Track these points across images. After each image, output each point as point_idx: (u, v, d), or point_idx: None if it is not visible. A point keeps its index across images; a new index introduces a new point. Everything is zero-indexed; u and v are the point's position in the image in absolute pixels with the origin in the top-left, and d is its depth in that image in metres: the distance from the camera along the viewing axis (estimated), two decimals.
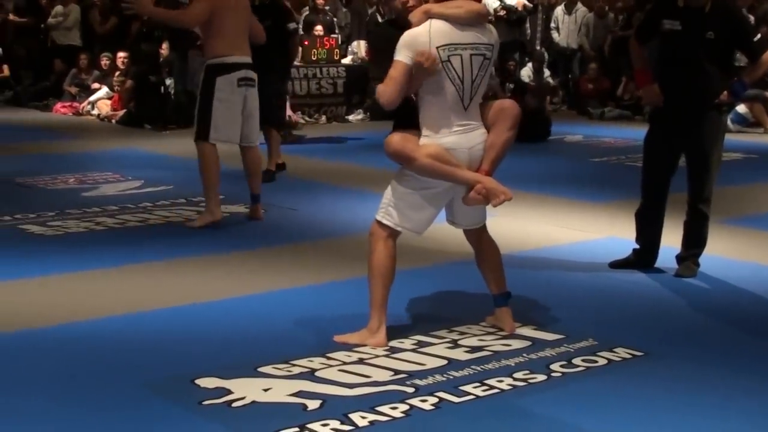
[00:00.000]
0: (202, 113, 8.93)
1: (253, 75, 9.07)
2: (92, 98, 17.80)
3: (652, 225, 7.64)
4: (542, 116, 15.39)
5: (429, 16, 5.69)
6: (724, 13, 7.38)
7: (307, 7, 19.12)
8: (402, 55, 5.63)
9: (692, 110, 7.37)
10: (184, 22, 9.44)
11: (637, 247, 7.70)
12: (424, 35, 5.63)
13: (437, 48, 5.63)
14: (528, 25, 20.04)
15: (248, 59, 9.04)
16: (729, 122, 15.86)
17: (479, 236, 6.12)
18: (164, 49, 17.55)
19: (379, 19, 19.02)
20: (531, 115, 14.80)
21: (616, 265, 7.64)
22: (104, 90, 17.78)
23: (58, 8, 19.95)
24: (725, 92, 7.33)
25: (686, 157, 7.54)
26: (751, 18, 20.07)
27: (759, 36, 7.43)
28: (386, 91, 5.65)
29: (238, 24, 8.97)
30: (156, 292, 6.99)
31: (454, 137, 5.73)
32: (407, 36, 5.66)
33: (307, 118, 16.95)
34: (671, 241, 7.68)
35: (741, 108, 16.17)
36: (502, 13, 19.04)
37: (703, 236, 7.58)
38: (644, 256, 7.67)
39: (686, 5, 7.36)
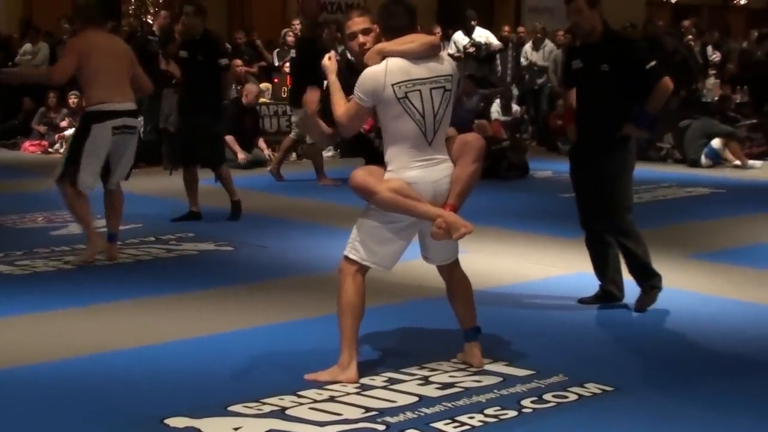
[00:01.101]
0: (72, 157, 8.81)
1: (134, 122, 8.94)
2: (66, 133, 17.73)
3: (603, 258, 7.67)
4: (522, 164, 15.51)
5: (383, 55, 5.73)
6: (615, 44, 7.50)
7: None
8: (356, 96, 5.75)
9: (595, 143, 7.48)
10: (52, 80, 9.16)
11: (601, 282, 7.73)
12: (381, 73, 5.69)
13: (393, 85, 5.67)
14: (498, 61, 20.11)
15: (129, 106, 8.88)
16: (702, 157, 16.13)
17: (451, 271, 6.14)
18: None
19: (350, 57, 19.07)
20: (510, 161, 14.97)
21: (586, 301, 7.66)
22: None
23: (27, 46, 19.90)
24: (628, 124, 7.41)
25: (595, 189, 7.58)
26: (718, 54, 20.31)
27: (653, 63, 7.38)
28: (341, 121, 5.83)
29: (116, 70, 8.82)
30: (125, 331, 6.96)
31: (417, 171, 5.75)
32: (363, 76, 5.73)
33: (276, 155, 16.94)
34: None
35: (715, 143, 16.28)
36: (472, 50, 19.12)
37: (639, 265, 7.59)
38: (609, 291, 7.68)
39: (583, 43, 7.55)
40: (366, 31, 5.87)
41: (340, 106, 5.82)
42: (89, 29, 8.97)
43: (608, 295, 7.66)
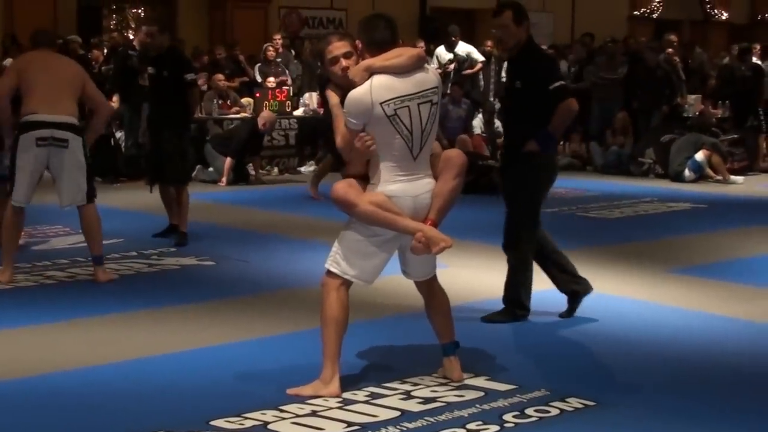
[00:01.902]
0: (10, 172, 8.79)
1: (63, 135, 8.61)
2: None
3: (551, 269, 7.70)
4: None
5: (371, 72, 5.72)
6: (528, 61, 7.51)
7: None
8: (346, 121, 5.71)
9: (511, 159, 7.55)
10: None
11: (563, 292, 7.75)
12: (366, 94, 5.66)
13: (381, 104, 5.65)
14: (482, 76, 20.14)
15: (59, 118, 8.60)
16: (686, 170, 16.18)
17: (429, 286, 6.15)
18: (114, 101, 17.51)
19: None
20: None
21: (564, 315, 7.67)
22: None
23: (8, 61, 19.84)
24: (530, 140, 7.39)
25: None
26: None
27: (557, 84, 7.37)
28: (341, 146, 5.77)
29: (52, 83, 8.67)
30: (106, 346, 6.94)
31: (399, 185, 5.76)
32: (349, 99, 5.69)
33: (259, 170, 16.94)
34: (619, 291, 7.71)
35: (699, 156, 16.34)
36: (451, 67, 19.14)
37: (511, 291, 7.62)
38: (573, 291, 7.69)
39: (508, 58, 7.66)
40: (348, 55, 5.81)
41: (340, 131, 5.79)
42: (35, 51, 8.99)
43: (574, 294, 7.67)
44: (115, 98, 17.35)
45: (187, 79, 10.80)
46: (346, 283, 5.87)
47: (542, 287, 8.65)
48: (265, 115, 16.21)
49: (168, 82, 10.66)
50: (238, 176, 15.84)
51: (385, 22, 5.91)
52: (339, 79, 5.83)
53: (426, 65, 5.92)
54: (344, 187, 5.76)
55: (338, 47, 5.85)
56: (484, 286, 8.72)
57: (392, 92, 5.69)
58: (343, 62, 5.80)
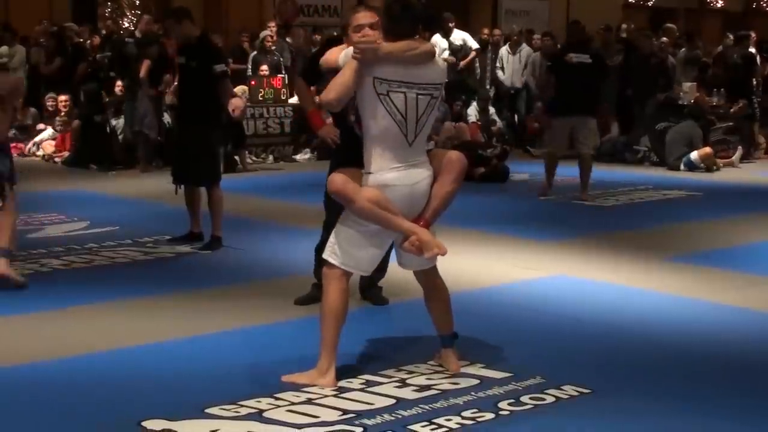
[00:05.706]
0: None
1: None
2: (37, 139, 17.68)
3: None
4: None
5: (388, 60, 5.69)
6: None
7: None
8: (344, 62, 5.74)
9: None
10: None
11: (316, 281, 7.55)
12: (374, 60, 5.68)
13: (375, 77, 5.67)
14: (477, 64, 20.12)
15: None
16: (681, 165, 16.19)
17: (429, 278, 6.12)
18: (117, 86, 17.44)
19: None
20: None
21: (300, 301, 7.60)
22: (48, 130, 17.68)
23: (3, 49, 19.78)
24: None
25: None
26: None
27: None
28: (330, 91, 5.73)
29: None
30: (102, 333, 6.94)
31: (395, 173, 5.75)
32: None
33: (254, 158, 16.92)
34: (614, 278, 7.67)
35: (693, 155, 16.32)
36: (446, 54, 19.15)
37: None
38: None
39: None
40: (374, 26, 5.87)
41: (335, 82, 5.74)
42: None
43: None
44: (118, 83, 17.31)
45: (216, 71, 9.95)
46: (347, 274, 5.86)
47: (533, 276, 8.67)
48: (235, 101, 16.01)
49: (196, 74, 9.93)
50: (226, 165, 15.58)
51: (412, 15, 5.87)
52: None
53: (435, 59, 5.92)
54: (342, 181, 5.74)
55: (365, 17, 5.95)
56: (481, 273, 8.73)
57: (394, 74, 5.69)
58: (368, 31, 5.85)
